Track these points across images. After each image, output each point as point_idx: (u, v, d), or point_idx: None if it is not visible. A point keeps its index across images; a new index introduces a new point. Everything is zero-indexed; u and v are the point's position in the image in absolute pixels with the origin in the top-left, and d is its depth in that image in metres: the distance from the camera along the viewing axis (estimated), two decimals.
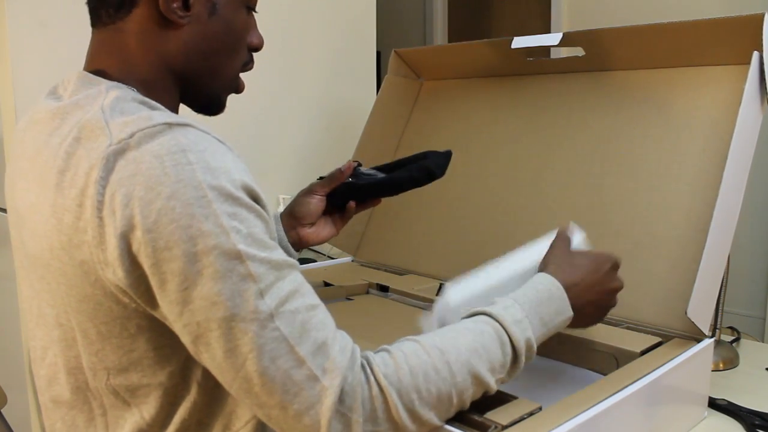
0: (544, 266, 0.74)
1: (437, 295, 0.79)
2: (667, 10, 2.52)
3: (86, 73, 0.65)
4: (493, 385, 0.62)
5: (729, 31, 0.91)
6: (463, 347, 0.60)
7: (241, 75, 0.74)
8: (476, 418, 0.62)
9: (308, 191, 0.94)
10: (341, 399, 0.54)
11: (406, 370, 0.57)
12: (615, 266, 0.75)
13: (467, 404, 0.61)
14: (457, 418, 0.63)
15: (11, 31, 1.13)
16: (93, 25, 0.66)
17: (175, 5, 0.63)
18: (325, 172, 1.75)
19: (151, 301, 0.56)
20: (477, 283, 0.74)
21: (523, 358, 0.64)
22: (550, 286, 0.69)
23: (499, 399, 0.66)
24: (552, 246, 0.77)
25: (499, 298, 0.67)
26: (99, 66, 0.65)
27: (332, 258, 1.43)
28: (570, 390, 0.71)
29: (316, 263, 1.33)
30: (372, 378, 0.56)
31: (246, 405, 0.56)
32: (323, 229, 0.95)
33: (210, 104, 0.72)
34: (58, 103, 0.63)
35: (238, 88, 0.74)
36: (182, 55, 0.66)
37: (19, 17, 1.13)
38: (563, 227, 0.79)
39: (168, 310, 0.55)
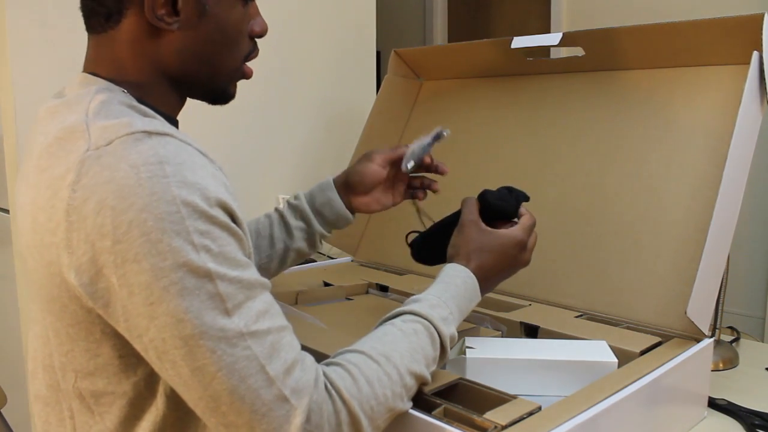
0: (455, 252, 0.77)
1: (458, 345, 0.81)
2: (667, 10, 2.52)
3: (87, 74, 0.65)
4: (430, 378, 0.66)
5: (729, 31, 0.91)
6: (404, 349, 0.64)
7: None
8: (476, 418, 0.62)
9: (366, 158, 0.91)
10: (308, 418, 0.55)
11: (362, 381, 0.59)
12: (523, 247, 0.77)
13: (411, 399, 0.65)
14: (457, 419, 0.63)
15: (11, 31, 1.13)
16: (87, 31, 0.66)
17: (162, 12, 0.62)
18: (324, 172, 1.74)
19: (109, 314, 0.55)
20: (498, 353, 0.76)
21: (448, 349, 0.69)
22: (465, 278, 0.74)
23: (499, 399, 0.67)
24: (462, 226, 0.78)
25: (423, 295, 0.71)
26: (93, 69, 0.65)
27: (332, 258, 1.43)
28: (570, 390, 0.71)
29: (316, 263, 1.33)
30: (334, 393, 0.58)
31: (211, 425, 0.56)
32: (379, 199, 0.93)
33: (217, 97, 0.71)
34: (55, 102, 0.63)
35: (245, 75, 0.72)
36: (176, 61, 0.65)
37: (19, 17, 1.13)
38: (470, 201, 0.80)
39: (134, 324, 0.54)
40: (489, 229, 0.77)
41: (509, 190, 0.81)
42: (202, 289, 0.52)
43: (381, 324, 0.68)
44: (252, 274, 0.57)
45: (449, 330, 0.69)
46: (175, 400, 0.60)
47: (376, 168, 0.90)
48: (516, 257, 0.77)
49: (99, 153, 0.54)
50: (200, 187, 0.54)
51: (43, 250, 0.56)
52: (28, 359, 0.68)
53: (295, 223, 0.92)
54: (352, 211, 0.93)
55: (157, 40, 0.63)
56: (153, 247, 0.51)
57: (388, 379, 0.61)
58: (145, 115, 0.60)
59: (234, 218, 0.57)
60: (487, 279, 0.76)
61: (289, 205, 0.94)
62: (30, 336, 0.67)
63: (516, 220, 0.80)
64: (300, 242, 0.93)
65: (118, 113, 0.58)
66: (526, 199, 0.81)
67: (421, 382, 0.66)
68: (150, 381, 0.59)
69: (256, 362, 0.54)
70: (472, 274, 0.74)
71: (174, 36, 0.64)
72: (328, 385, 0.58)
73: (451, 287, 0.72)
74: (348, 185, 0.92)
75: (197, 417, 0.60)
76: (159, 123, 0.57)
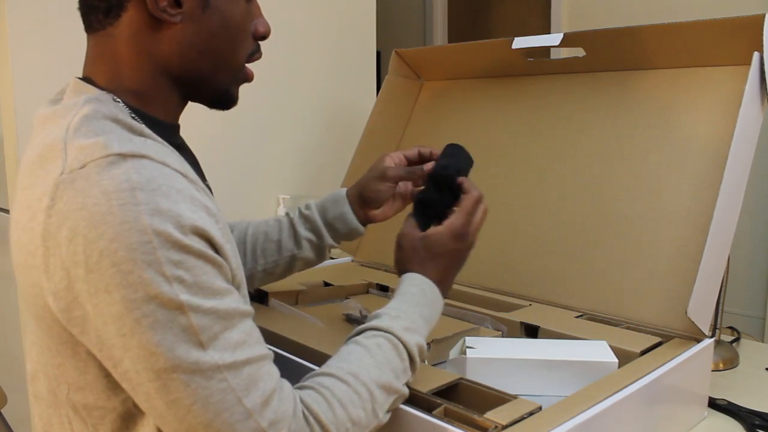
0: (403, 267, 0.76)
1: (458, 346, 0.82)
2: (668, 10, 2.52)
3: (79, 80, 0.63)
4: (404, 390, 0.65)
5: (729, 31, 0.91)
6: (369, 364, 0.63)
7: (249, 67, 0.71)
8: (476, 418, 0.62)
9: (381, 175, 0.89)
10: None
11: (336, 404, 0.59)
12: (463, 234, 0.75)
13: (389, 413, 0.64)
14: (457, 418, 0.63)
15: (11, 31, 1.13)
16: (86, 30, 0.64)
17: (164, 3, 0.60)
18: (325, 173, 1.73)
19: (86, 341, 0.54)
20: (498, 353, 0.77)
21: (418, 359, 0.67)
22: (420, 285, 0.73)
23: (499, 399, 0.67)
24: (400, 245, 0.77)
25: (382, 309, 0.69)
26: (90, 73, 0.64)
27: (332, 258, 1.43)
28: (570, 390, 0.71)
29: None
30: (312, 419, 0.57)
31: None
32: (389, 208, 0.93)
33: (220, 100, 0.70)
34: (48, 110, 0.62)
35: (247, 77, 0.70)
36: (177, 56, 0.63)
37: (19, 17, 1.13)
38: (408, 220, 0.79)
39: (109, 354, 0.53)
40: (423, 234, 0.76)
41: (446, 176, 0.79)
42: (175, 322, 0.51)
43: (345, 343, 0.67)
44: (230, 302, 0.55)
45: (414, 339, 0.67)
46: None
47: (391, 186, 0.90)
48: (459, 248, 0.75)
49: (73, 177, 0.52)
50: (174, 214, 0.52)
51: (27, 270, 0.55)
52: (28, 360, 0.67)
53: (305, 234, 0.91)
54: (365, 223, 0.92)
55: (158, 34, 0.62)
56: (124, 278, 0.50)
57: (358, 398, 0.60)
58: (131, 129, 0.58)
59: (213, 244, 0.55)
60: (442, 281, 0.75)
61: (301, 214, 0.92)
62: (27, 341, 0.67)
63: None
64: (308, 252, 0.91)
65: (98, 130, 0.56)
66: (471, 164, 0.80)
67: (397, 395, 0.64)
68: None
69: (233, 395, 0.53)
70: (427, 279, 0.73)
71: (176, 29, 0.62)
72: (306, 412, 0.57)
73: (408, 297, 0.71)
74: (362, 199, 0.90)
75: None
76: (139, 142, 0.56)
